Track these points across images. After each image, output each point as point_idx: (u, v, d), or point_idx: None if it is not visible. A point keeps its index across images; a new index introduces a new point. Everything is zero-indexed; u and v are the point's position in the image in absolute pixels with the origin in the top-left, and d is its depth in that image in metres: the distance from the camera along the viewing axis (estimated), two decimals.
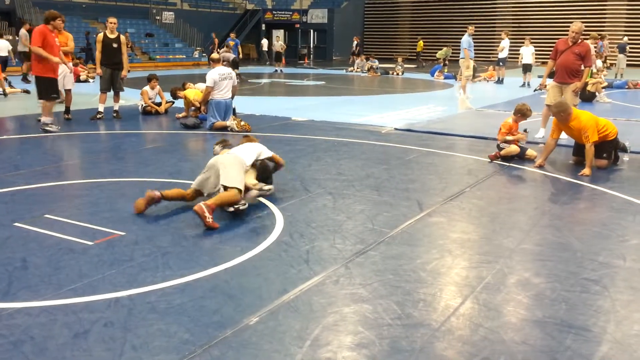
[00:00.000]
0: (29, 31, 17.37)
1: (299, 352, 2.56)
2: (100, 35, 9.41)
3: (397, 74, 21.69)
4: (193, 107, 9.65)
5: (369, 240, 4.01)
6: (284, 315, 2.90)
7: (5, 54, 16.28)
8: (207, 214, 4.11)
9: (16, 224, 4.20)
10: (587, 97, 12.64)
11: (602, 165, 6.33)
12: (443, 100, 13.29)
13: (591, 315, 2.97)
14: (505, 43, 17.89)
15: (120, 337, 2.66)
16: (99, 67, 9.40)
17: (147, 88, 10.25)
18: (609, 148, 6.40)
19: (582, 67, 7.58)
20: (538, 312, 2.99)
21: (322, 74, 22.51)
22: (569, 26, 7.81)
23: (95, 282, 3.25)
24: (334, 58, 33.99)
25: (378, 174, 5.96)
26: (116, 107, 9.68)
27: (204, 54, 27.13)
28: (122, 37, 9.56)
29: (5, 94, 12.63)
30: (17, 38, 17.22)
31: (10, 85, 13.47)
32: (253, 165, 4.93)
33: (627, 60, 21.85)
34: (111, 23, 9.43)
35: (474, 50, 14.11)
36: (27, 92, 13.25)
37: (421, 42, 29.97)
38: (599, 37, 19.08)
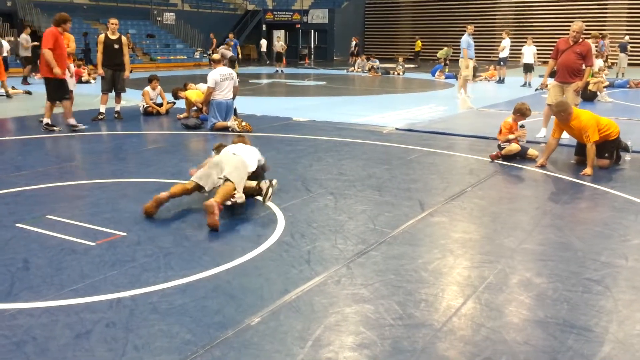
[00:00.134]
0: (30, 35, 17.43)
1: (300, 352, 2.56)
2: (102, 37, 9.42)
3: (398, 74, 21.69)
4: (194, 108, 9.65)
5: (371, 240, 4.01)
6: (286, 315, 2.90)
7: (5, 54, 16.30)
8: (216, 212, 4.17)
9: (18, 225, 4.20)
10: (588, 97, 12.63)
11: (604, 164, 6.32)
12: (444, 100, 13.28)
13: (593, 315, 2.96)
14: (506, 42, 17.88)
15: (122, 337, 2.66)
16: (101, 68, 9.42)
17: (148, 89, 10.26)
18: (611, 148, 6.39)
19: (583, 67, 7.57)
20: (540, 312, 2.99)
21: (322, 74, 22.52)
22: (569, 25, 7.80)
23: (97, 282, 3.25)
24: (334, 58, 34.00)
25: (379, 174, 5.96)
26: (117, 108, 9.69)
27: (204, 55, 27.14)
28: (124, 38, 9.57)
29: (9, 96, 12.65)
30: (18, 40, 17.22)
31: (12, 87, 13.49)
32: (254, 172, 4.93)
33: (629, 60, 21.83)
34: (112, 24, 9.44)
35: (475, 49, 14.11)
36: (28, 93, 13.28)
37: (419, 42, 29.98)
38: (600, 36, 19.05)
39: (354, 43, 29.17)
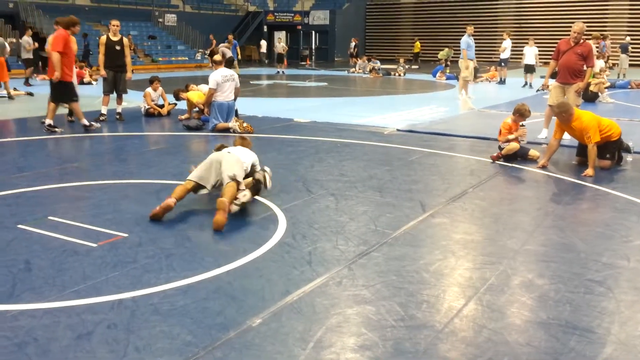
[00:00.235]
0: (32, 37, 17.45)
1: (302, 353, 2.56)
2: (103, 38, 9.44)
3: (399, 75, 21.69)
4: (195, 109, 9.66)
5: (372, 241, 4.00)
6: (287, 316, 2.90)
7: (6, 55, 16.32)
8: (227, 209, 4.25)
9: (20, 226, 4.21)
10: (589, 98, 12.62)
11: (606, 165, 6.31)
12: (445, 101, 13.28)
13: (595, 316, 2.96)
14: (507, 43, 17.88)
15: (124, 338, 2.66)
16: (102, 70, 9.43)
17: (149, 90, 10.27)
18: (613, 148, 6.38)
19: (585, 68, 7.57)
20: (542, 314, 2.98)
21: (324, 75, 22.53)
22: (570, 26, 7.80)
23: (98, 283, 3.25)
24: (335, 59, 34.01)
25: (380, 175, 5.95)
26: (119, 110, 9.70)
27: (206, 56, 27.17)
28: (125, 40, 9.59)
29: (11, 97, 12.67)
30: (20, 42, 17.26)
31: (14, 88, 13.51)
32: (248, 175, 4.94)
33: (630, 60, 21.82)
34: (114, 26, 9.46)
35: (476, 50, 14.11)
36: (30, 94, 13.30)
37: (418, 43, 29.97)
38: (601, 37, 19.04)
39: (353, 44, 29.19)
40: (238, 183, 4.53)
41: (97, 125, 8.48)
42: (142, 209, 4.61)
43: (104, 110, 9.51)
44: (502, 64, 18.32)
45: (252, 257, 3.69)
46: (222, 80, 8.62)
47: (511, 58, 18.60)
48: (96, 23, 26.16)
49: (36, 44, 17.06)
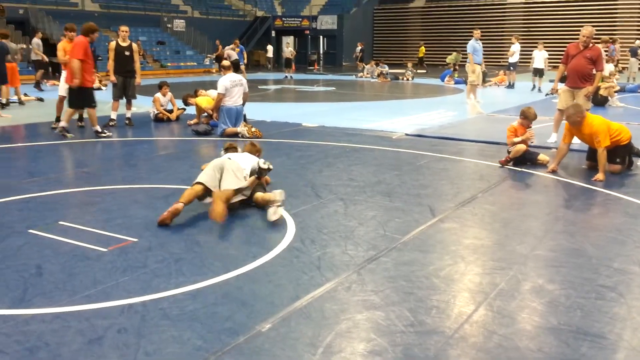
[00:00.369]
0: (43, 40, 17.63)
1: (311, 359, 2.56)
2: (113, 44, 9.52)
3: (407, 79, 21.68)
4: (204, 114, 9.71)
5: (381, 246, 4.00)
6: (297, 321, 2.90)
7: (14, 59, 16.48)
8: (225, 201, 4.42)
9: (31, 231, 4.24)
10: (599, 102, 12.54)
11: (616, 170, 6.26)
12: (454, 106, 13.25)
13: (607, 322, 2.93)
14: (515, 47, 17.83)
15: (134, 343, 2.67)
16: (112, 75, 9.50)
17: (158, 95, 10.34)
18: (623, 153, 6.33)
19: (594, 72, 7.53)
20: (553, 319, 2.96)
21: (332, 80, 22.56)
22: (579, 30, 7.77)
23: (109, 288, 3.27)
24: (343, 64, 34.06)
25: (389, 180, 5.95)
26: (128, 115, 9.77)
27: (213, 62, 27.32)
28: (134, 45, 9.66)
29: (21, 102, 12.79)
30: (30, 46, 17.43)
31: (25, 94, 13.65)
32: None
33: (639, 64, 21.66)
34: (123, 31, 9.53)
35: (484, 54, 14.08)
36: (40, 100, 13.42)
37: (423, 48, 29.93)
38: (611, 40, 18.94)
39: (359, 48, 29.20)
40: (234, 193, 4.68)
41: (109, 133, 8.55)
42: (151, 213, 4.63)
43: (113, 116, 9.58)
44: (511, 68, 18.27)
45: (261, 262, 3.69)
46: (231, 85, 8.65)
47: (520, 62, 18.54)
48: (105, 29, 26.35)
49: (46, 57, 17.17)
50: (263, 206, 4.77)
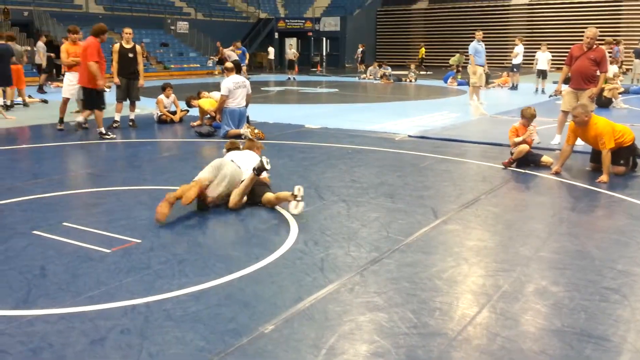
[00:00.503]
0: (47, 44, 17.69)
1: None
2: (117, 46, 9.55)
3: (410, 81, 21.67)
4: (207, 116, 9.73)
5: (384, 248, 3.99)
6: (300, 323, 2.90)
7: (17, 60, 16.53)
8: (170, 203, 4.48)
9: (35, 232, 4.25)
10: (603, 103, 12.51)
11: (620, 171, 6.25)
12: (456, 107, 13.24)
13: (611, 324, 2.92)
14: (519, 49, 17.80)
15: (137, 344, 2.68)
16: (116, 77, 9.53)
17: (162, 97, 10.36)
18: (626, 154, 6.32)
19: (598, 73, 7.52)
20: (556, 321, 2.95)
21: (334, 82, 22.57)
22: (583, 32, 7.75)
23: (112, 289, 3.27)
24: (346, 65, 34.07)
25: (392, 181, 5.94)
26: (132, 116, 9.79)
27: (217, 65, 27.36)
28: (138, 47, 9.69)
29: (26, 104, 12.84)
30: (34, 49, 17.49)
31: (29, 96, 13.69)
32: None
33: None
34: (127, 33, 9.56)
35: (488, 56, 14.07)
36: (45, 101, 13.47)
37: (423, 49, 29.91)
38: (614, 42, 18.88)
39: (360, 50, 29.19)
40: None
41: (113, 135, 8.57)
42: (155, 215, 4.63)
43: (117, 117, 9.60)
44: (515, 69, 18.24)
45: (264, 263, 3.70)
46: (234, 87, 8.67)
47: (523, 63, 18.50)
48: (109, 31, 26.25)
49: (52, 54, 17.26)
50: (275, 205, 4.80)
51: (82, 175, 6.38)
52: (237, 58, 17.77)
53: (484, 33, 13.98)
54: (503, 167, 6.62)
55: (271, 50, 29.80)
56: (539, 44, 18.58)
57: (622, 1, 29.04)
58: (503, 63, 26.91)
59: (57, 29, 23.85)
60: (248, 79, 11.12)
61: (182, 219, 4.55)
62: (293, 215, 4.63)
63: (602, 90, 11.88)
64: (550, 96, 15.50)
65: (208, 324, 2.87)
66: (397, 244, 4.08)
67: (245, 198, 4.91)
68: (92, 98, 8.46)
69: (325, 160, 7.04)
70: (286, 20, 35.88)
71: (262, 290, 3.29)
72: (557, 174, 6.30)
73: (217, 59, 24.42)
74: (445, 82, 20.74)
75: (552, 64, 18.30)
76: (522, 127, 6.82)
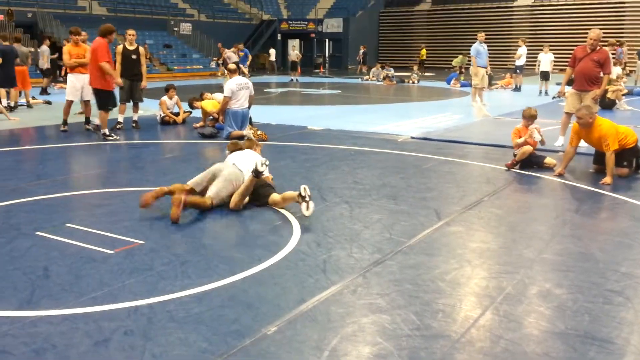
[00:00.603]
0: (50, 47, 17.73)
1: None
2: (120, 47, 9.57)
3: (413, 82, 21.67)
4: (210, 117, 9.74)
5: (387, 249, 3.99)
6: (302, 325, 2.90)
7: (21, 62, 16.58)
8: (181, 206, 4.51)
9: (38, 233, 4.26)
10: (607, 105, 12.48)
11: (623, 173, 6.23)
12: (460, 108, 13.23)
13: (614, 327, 2.91)
14: (522, 50, 17.77)
15: (140, 345, 2.68)
16: (119, 79, 9.55)
17: (165, 98, 10.38)
18: (630, 156, 6.30)
19: (601, 75, 7.50)
20: (560, 324, 2.94)
21: (337, 83, 22.57)
22: (587, 33, 7.74)
23: (115, 290, 3.28)
24: (349, 67, 34.08)
25: (395, 183, 5.94)
26: (135, 118, 9.81)
27: (219, 66, 27.40)
28: (141, 49, 9.71)
29: (30, 106, 12.88)
30: (38, 50, 17.54)
31: (33, 97, 13.73)
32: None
33: None
34: (130, 35, 9.59)
35: (491, 57, 14.07)
36: (48, 103, 13.51)
37: (424, 51, 29.89)
38: (618, 43, 18.84)
39: (361, 51, 29.20)
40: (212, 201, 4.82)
41: (116, 137, 8.59)
42: (158, 216, 4.65)
43: (120, 119, 9.62)
44: (518, 71, 18.21)
45: (267, 264, 3.70)
46: (237, 89, 8.68)
47: (526, 65, 18.47)
48: None
49: (55, 55, 17.31)
50: (282, 207, 4.82)
51: (86, 177, 6.40)
52: (237, 59, 17.80)
53: (487, 34, 13.98)
54: (506, 168, 6.61)
55: (272, 51, 29.82)
56: (542, 46, 18.53)
57: (626, 3, 28.98)
58: (506, 64, 26.88)
59: (61, 30, 23.92)
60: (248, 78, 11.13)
61: (184, 221, 4.56)
62: (298, 216, 4.63)
63: (606, 91, 11.85)
64: (554, 98, 15.46)
65: (211, 326, 2.88)
66: (400, 245, 4.07)
67: (246, 199, 4.91)
68: (104, 99, 8.47)
69: (328, 162, 7.04)
70: (289, 22, 35.91)
71: (264, 292, 3.29)
72: (560, 175, 6.28)
73: (221, 61, 24.47)
74: (448, 83, 20.73)
75: (555, 65, 18.25)
76: (524, 129, 6.81)
